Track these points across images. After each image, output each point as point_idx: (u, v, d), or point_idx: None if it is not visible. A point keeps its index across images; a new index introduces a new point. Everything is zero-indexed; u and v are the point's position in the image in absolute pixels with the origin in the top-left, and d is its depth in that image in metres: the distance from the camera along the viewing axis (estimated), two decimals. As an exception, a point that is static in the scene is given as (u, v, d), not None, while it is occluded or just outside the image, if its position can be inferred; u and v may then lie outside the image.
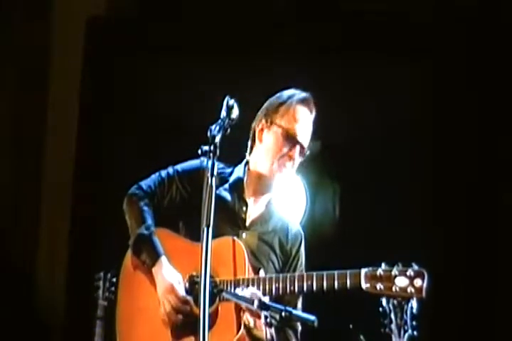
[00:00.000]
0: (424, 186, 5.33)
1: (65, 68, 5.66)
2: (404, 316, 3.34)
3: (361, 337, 3.63)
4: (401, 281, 3.30)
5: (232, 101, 3.25)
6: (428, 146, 5.34)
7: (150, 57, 5.51)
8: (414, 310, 3.35)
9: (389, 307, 3.35)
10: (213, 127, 3.15)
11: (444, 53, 5.29)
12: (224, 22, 5.41)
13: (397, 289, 3.30)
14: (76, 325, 5.07)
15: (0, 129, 5.61)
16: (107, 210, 3.91)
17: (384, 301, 3.35)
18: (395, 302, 3.34)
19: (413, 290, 3.28)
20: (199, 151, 3.13)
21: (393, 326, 3.35)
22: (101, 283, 4.47)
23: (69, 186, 5.51)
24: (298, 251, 3.79)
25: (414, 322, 3.34)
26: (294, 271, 3.74)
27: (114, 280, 4.02)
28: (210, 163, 3.07)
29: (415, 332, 3.34)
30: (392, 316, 3.35)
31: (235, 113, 3.24)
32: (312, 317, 3.15)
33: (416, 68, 5.24)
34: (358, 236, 5.31)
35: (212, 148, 3.10)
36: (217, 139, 3.11)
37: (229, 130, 3.20)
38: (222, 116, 3.22)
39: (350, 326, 3.71)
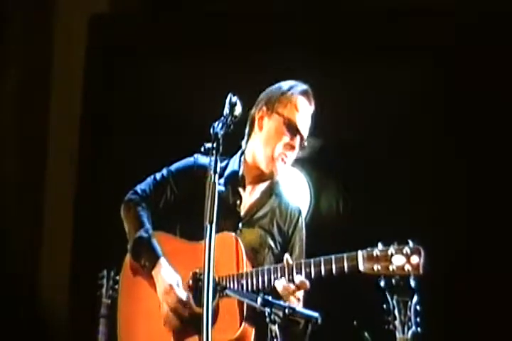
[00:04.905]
0: (423, 175, 5.33)
1: (67, 67, 5.65)
2: (408, 313, 3.35)
3: (365, 333, 3.64)
4: (398, 260, 3.27)
5: (235, 99, 3.23)
6: (429, 141, 5.33)
7: (152, 56, 5.51)
8: (418, 307, 3.35)
9: (393, 304, 3.36)
10: (216, 124, 3.13)
11: (445, 51, 5.28)
12: (224, 21, 5.41)
13: (395, 268, 3.27)
14: (80, 324, 5.07)
15: (2, 129, 5.61)
16: (110, 208, 3.90)
17: (388, 298, 3.36)
18: (399, 298, 3.34)
19: (410, 267, 3.26)
20: (201, 148, 3.12)
21: (397, 323, 3.36)
22: (104, 281, 4.48)
23: (72, 185, 5.51)
24: (295, 229, 3.77)
25: (418, 319, 3.35)
26: (292, 252, 3.72)
27: (118, 278, 4.02)
28: (213, 159, 3.06)
29: (419, 329, 3.35)
30: (396, 313, 3.36)
31: (238, 110, 3.22)
32: (315, 314, 3.12)
33: (416, 66, 5.23)
34: (354, 218, 5.32)
35: (215, 145, 3.08)
36: (220, 136, 3.09)
37: (232, 127, 3.19)
38: (225, 114, 3.20)
39: (355, 323, 3.71)
